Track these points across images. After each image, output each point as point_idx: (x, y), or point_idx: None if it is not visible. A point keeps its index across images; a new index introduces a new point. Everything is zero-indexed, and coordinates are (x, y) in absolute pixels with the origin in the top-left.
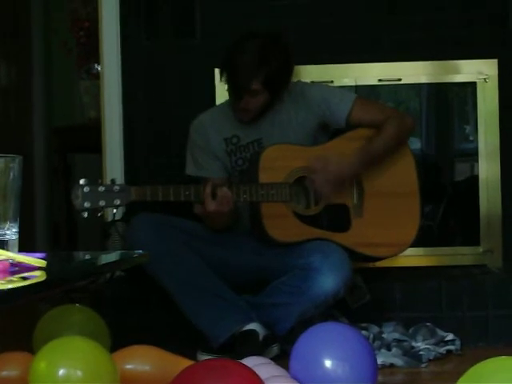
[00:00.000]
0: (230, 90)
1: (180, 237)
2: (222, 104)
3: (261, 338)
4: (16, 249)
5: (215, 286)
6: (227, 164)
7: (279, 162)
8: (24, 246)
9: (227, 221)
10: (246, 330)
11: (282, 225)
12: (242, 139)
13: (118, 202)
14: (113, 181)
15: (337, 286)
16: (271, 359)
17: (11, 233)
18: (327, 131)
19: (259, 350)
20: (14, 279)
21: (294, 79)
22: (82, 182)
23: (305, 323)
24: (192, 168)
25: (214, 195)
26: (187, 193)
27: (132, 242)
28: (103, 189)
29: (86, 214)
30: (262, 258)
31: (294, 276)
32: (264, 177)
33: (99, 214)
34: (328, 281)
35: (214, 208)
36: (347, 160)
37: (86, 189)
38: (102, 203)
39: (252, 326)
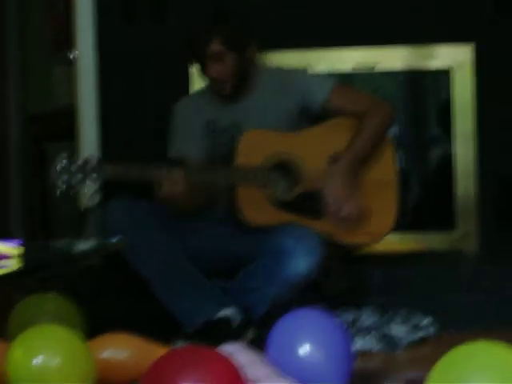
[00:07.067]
0: (197, 63)
1: (154, 222)
2: (203, 88)
3: (236, 323)
4: None
5: (190, 272)
6: (206, 147)
7: (257, 147)
8: None
9: (185, 206)
10: (221, 316)
11: (257, 208)
12: (220, 123)
13: (94, 176)
14: (89, 157)
15: (309, 269)
16: (247, 343)
17: None
18: (307, 118)
19: (235, 335)
20: None
21: (272, 65)
22: (59, 157)
23: (280, 308)
24: (173, 150)
25: (165, 178)
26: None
27: (107, 228)
28: (80, 164)
29: (61, 188)
30: (236, 244)
31: (266, 259)
32: (241, 161)
33: (74, 190)
34: (300, 263)
35: (166, 192)
36: (342, 168)
37: (63, 163)
38: (78, 176)
39: (227, 311)
